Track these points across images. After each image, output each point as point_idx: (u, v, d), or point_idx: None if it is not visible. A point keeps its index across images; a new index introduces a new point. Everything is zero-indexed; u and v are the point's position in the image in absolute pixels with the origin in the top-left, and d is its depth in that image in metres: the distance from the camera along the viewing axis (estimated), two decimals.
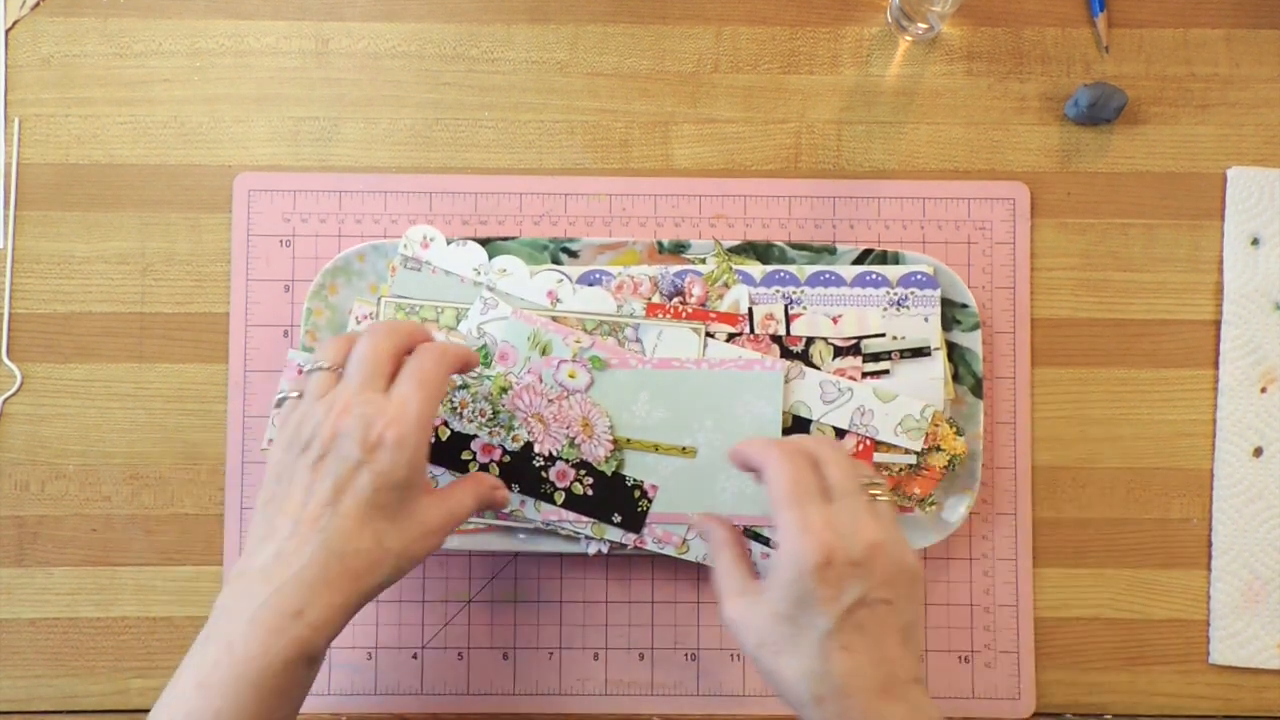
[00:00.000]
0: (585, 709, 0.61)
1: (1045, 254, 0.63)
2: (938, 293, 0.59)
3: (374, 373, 0.46)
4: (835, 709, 0.43)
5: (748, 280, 0.59)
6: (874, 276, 0.59)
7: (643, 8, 0.64)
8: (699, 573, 0.61)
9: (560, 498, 0.56)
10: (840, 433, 0.57)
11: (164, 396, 0.62)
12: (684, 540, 0.57)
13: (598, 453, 0.57)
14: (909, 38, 0.64)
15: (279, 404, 0.51)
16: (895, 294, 0.59)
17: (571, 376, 0.57)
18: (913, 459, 0.57)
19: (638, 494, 0.56)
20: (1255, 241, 0.62)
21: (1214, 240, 0.63)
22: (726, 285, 0.59)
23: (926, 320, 0.59)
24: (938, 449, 0.58)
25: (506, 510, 0.57)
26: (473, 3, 0.64)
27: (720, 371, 0.56)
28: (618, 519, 0.56)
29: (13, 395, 0.61)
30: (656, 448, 0.56)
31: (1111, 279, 0.63)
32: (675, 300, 0.59)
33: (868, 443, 0.57)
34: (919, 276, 0.59)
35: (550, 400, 0.56)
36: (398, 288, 0.59)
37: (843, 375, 0.58)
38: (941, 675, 0.61)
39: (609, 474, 0.56)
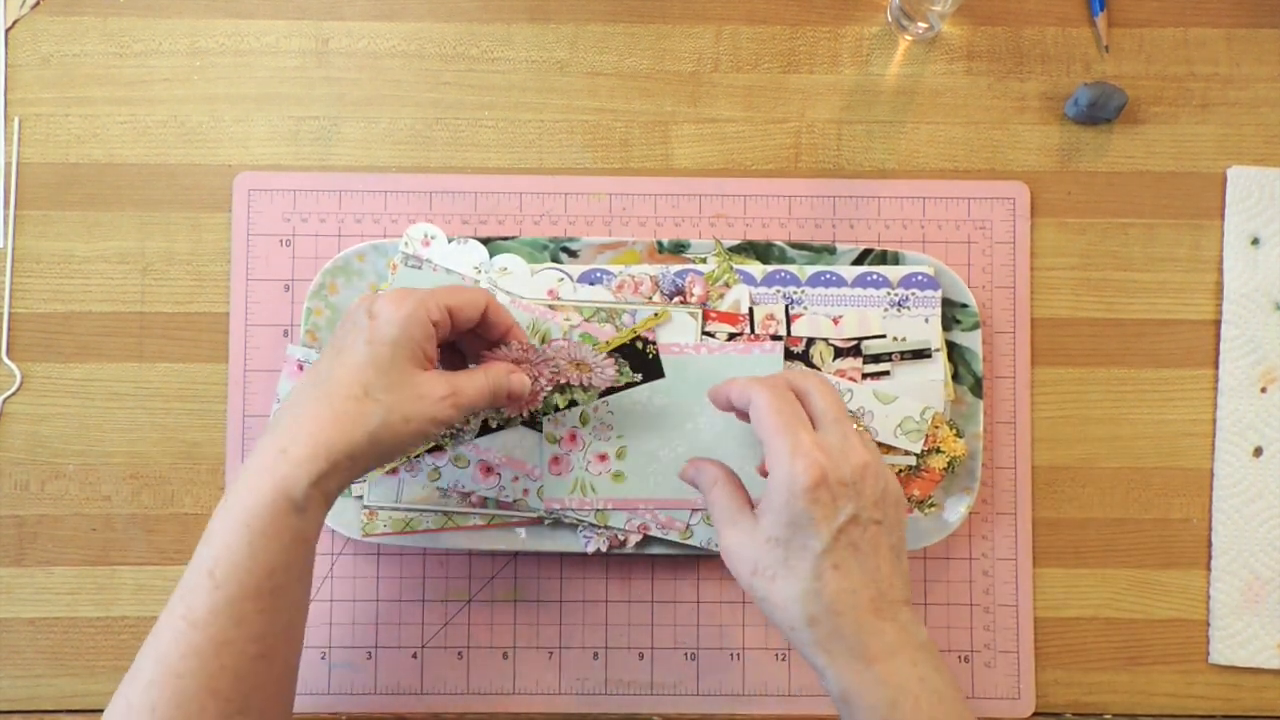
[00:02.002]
0: (585, 709, 0.61)
1: (1045, 254, 0.63)
2: (938, 294, 0.59)
3: (409, 291, 0.49)
4: (827, 628, 0.44)
5: (748, 280, 0.59)
6: (875, 277, 0.59)
7: (643, 7, 0.64)
8: (699, 572, 0.61)
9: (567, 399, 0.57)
10: None
11: (164, 396, 0.62)
12: (687, 526, 0.58)
13: (607, 373, 0.57)
14: (909, 37, 0.63)
15: None
16: (896, 294, 0.59)
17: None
18: (912, 460, 0.57)
19: (641, 345, 0.57)
20: (1255, 241, 0.62)
21: (1214, 240, 0.63)
22: (727, 285, 0.59)
23: (927, 321, 0.59)
24: (937, 451, 0.58)
25: (508, 500, 0.57)
26: (473, 2, 0.64)
27: (720, 355, 0.56)
28: (639, 377, 0.56)
29: (13, 395, 0.61)
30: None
31: (1111, 279, 0.63)
32: (676, 300, 0.59)
33: None
34: (920, 277, 0.59)
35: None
36: (398, 285, 0.59)
37: (843, 376, 0.58)
38: None
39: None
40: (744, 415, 0.49)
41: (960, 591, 0.61)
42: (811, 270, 0.59)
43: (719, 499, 0.49)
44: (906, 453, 0.57)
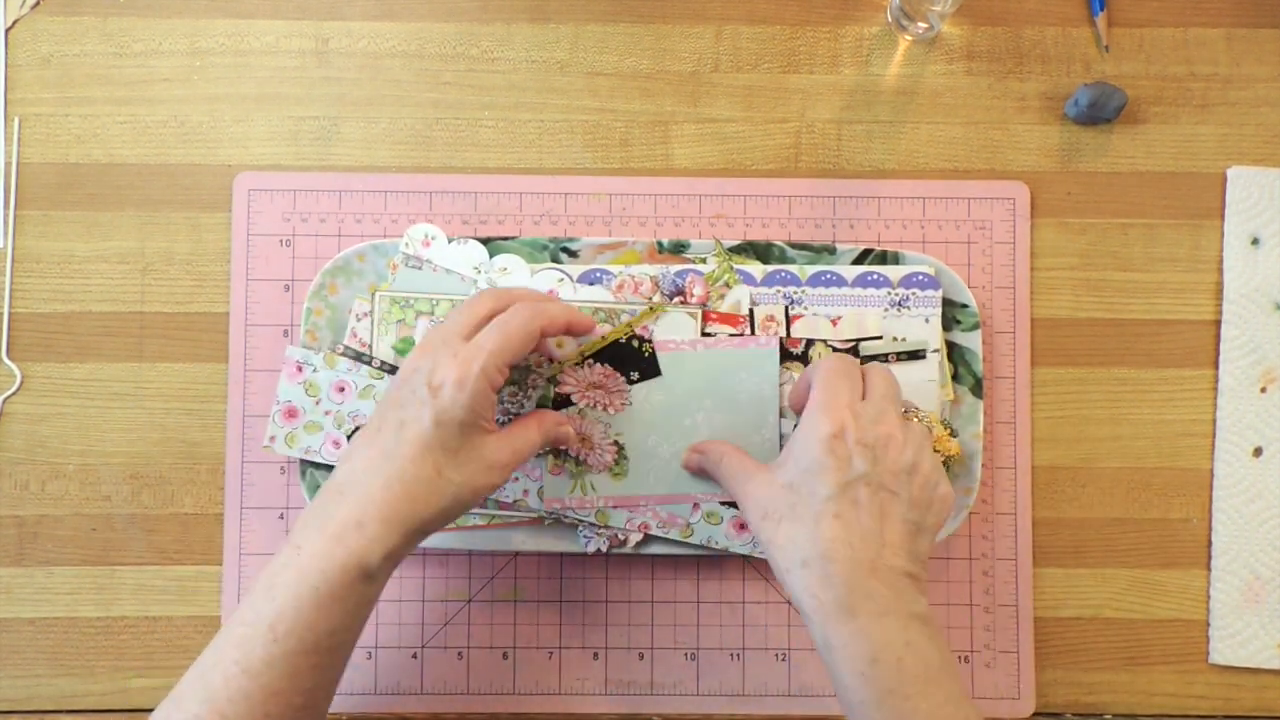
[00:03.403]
0: (585, 709, 0.61)
1: (1045, 254, 0.63)
2: (939, 294, 0.59)
3: (465, 323, 0.49)
4: (818, 572, 0.45)
5: (748, 280, 0.59)
6: (875, 277, 0.59)
7: (643, 7, 0.64)
8: (699, 572, 0.61)
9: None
10: None
11: (164, 396, 0.62)
12: (688, 524, 0.58)
13: (605, 459, 0.57)
14: (909, 37, 0.63)
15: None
16: (896, 294, 0.59)
17: (559, 345, 0.56)
18: None
19: (637, 343, 0.56)
20: (1255, 241, 0.62)
21: (1214, 240, 0.63)
22: (728, 285, 0.59)
23: (927, 321, 0.59)
24: (934, 450, 0.58)
25: (508, 500, 0.57)
26: (473, 2, 0.64)
27: (716, 351, 0.56)
28: (635, 375, 0.56)
29: (13, 395, 0.61)
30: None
31: (1111, 279, 0.63)
32: (676, 300, 0.59)
33: None
34: (920, 277, 0.59)
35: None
36: (399, 285, 0.59)
37: None
38: None
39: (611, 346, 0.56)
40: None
41: (960, 591, 0.61)
42: (812, 270, 0.59)
43: (732, 466, 0.50)
44: None
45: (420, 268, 0.59)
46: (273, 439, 0.58)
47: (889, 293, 0.59)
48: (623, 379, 0.56)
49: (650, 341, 0.56)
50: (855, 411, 0.47)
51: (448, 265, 0.59)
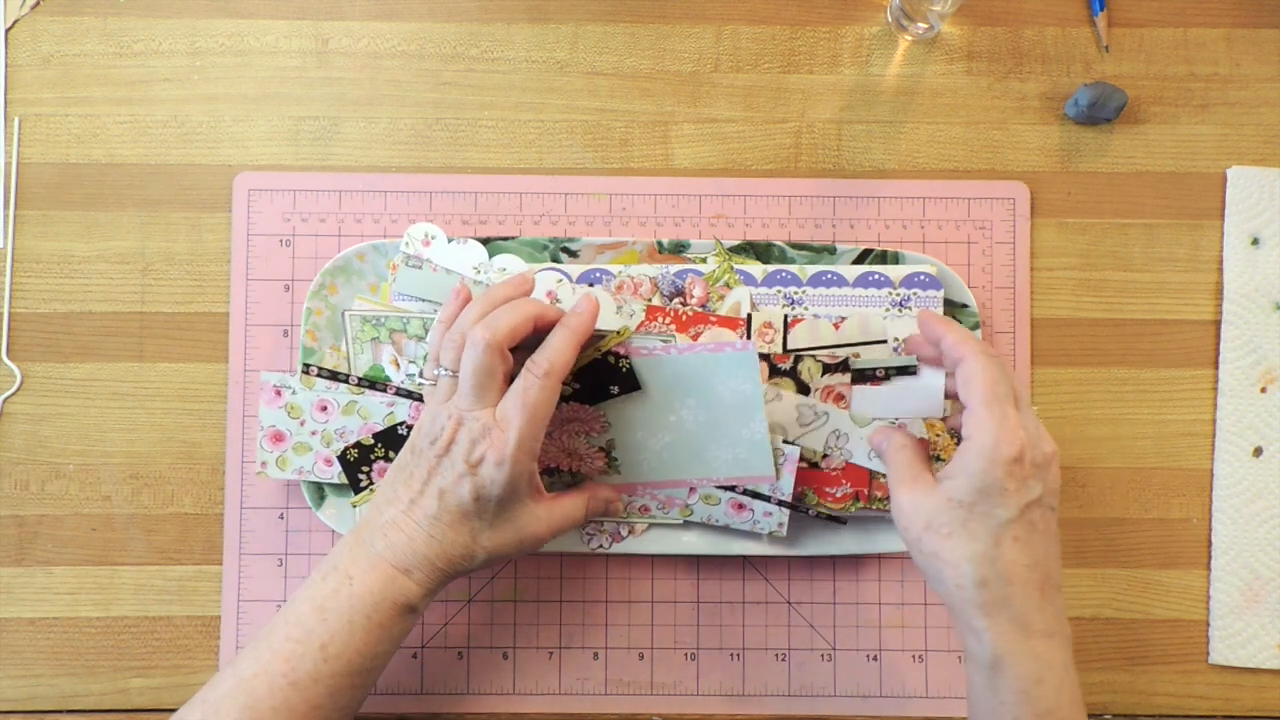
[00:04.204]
0: (585, 709, 0.61)
1: (1045, 254, 0.63)
2: (940, 293, 0.59)
3: (483, 385, 0.49)
4: (997, 593, 0.46)
5: (749, 281, 0.59)
6: (876, 276, 0.59)
7: (643, 7, 0.64)
8: (699, 572, 0.61)
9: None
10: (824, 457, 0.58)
11: (164, 396, 0.62)
12: (687, 505, 0.58)
13: (596, 464, 0.57)
14: (909, 37, 0.63)
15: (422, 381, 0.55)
16: (898, 294, 0.59)
17: None
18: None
19: (614, 359, 0.55)
20: (1255, 241, 0.62)
21: (1214, 240, 0.63)
22: (728, 285, 0.59)
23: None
24: (937, 458, 0.57)
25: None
26: (473, 2, 0.64)
27: (691, 355, 0.55)
28: (615, 390, 0.56)
29: (13, 395, 0.61)
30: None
31: (1111, 279, 0.63)
32: (676, 301, 0.58)
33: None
34: (922, 277, 0.59)
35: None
36: (399, 285, 0.59)
37: (830, 392, 0.57)
38: (942, 675, 0.61)
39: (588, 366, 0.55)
40: (926, 357, 0.54)
41: None
42: (812, 270, 0.59)
43: (902, 459, 0.51)
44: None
45: (420, 267, 0.59)
46: (264, 464, 0.58)
47: (890, 293, 0.59)
48: (590, 408, 0.56)
49: (627, 357, 0.55)
50: (1027, 430, 0.47)
51: (447, 265, 0.59)
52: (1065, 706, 0.46)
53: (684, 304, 0.58)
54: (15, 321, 0.62)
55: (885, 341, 0.58)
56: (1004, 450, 0.46)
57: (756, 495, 0.57)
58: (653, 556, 0.61)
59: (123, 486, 0.61)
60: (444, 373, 0.51)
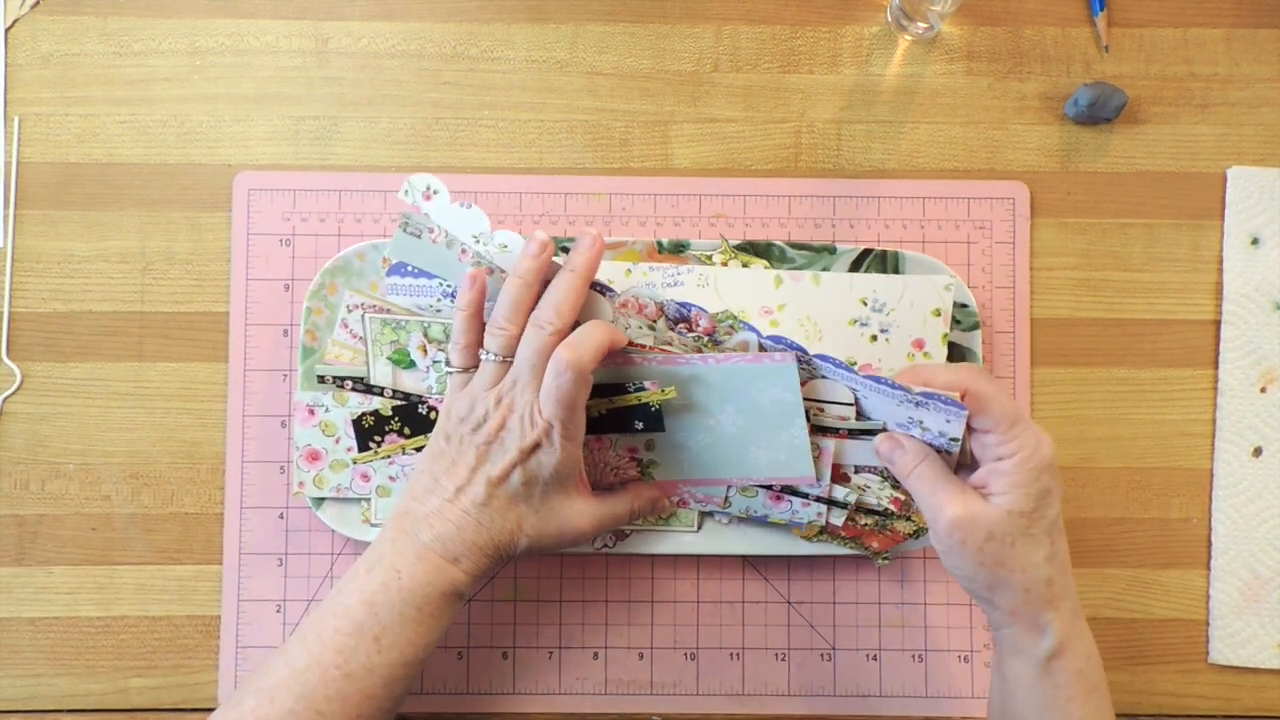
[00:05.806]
0: (585, 709, 0.61)
1: (1045, 254, 0.63)
2: (964, 417, 0.50)
3: (536, 372, 0.51)
4: (1060, 585, 0.49)
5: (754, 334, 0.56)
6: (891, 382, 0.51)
7: (643, 7, 0.64)
8: (699, 572, 0.61)
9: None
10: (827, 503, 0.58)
11: (164, 396, 0.62)
12: (725, 498, 0.58)
13: (629, 474, 0.57)
14: (909, 37, 0.64)
15: (447, 370, 0.54)
16: (914, 398, 0.51)
17: None
18: (881, 511, 0.57)
19: (642, 397, 0.55)
20: (1255, 241, 0.62)
21: (1214, 240, 0.63)
22: (732, 329, 0.56)
23: (949, 421, 0.51)
24: (907, 518, 0.57)
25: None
26: (473, 2, 0.64)
27: (730, 366, 0.53)
28: (640, 425, 0.56)
29: (13, 394, 0.61)
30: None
31: (1111, 279, 0.63)
32: (680, 326, 0.56)
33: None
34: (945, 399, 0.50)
35: None
36: (392, 250, 0.55)
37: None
38: (941, 675, 0.61)
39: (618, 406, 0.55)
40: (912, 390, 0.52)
41: (961, 591, 0.61)
42: (825, 366, 0.54)
43: (932, 472, 0.51)
44: (878, 503, 0.57)
45: (419, 235, 0.55)
46: (301, 485, 0.58)
47: (907, 395, 0.51)
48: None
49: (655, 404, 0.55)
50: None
51: (447, 227, 0.55)
52: (1102, 678, 0.50)
53: (689, 330, 0.56)
54: (15, 321, 0.62)
55: (851, 404, 0.55)
56: (1046, 453, 0.49)
57: (795, 493, 0.57)
58: (653, 556, 0.61)
59: (123, 486, 0.61)
60: (493, 358, 0.52)
